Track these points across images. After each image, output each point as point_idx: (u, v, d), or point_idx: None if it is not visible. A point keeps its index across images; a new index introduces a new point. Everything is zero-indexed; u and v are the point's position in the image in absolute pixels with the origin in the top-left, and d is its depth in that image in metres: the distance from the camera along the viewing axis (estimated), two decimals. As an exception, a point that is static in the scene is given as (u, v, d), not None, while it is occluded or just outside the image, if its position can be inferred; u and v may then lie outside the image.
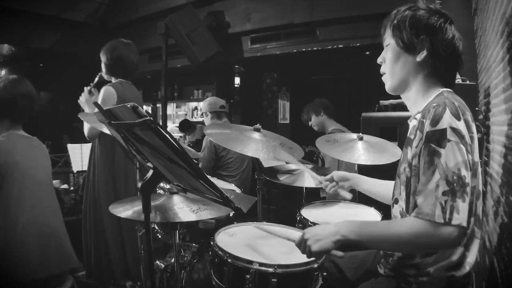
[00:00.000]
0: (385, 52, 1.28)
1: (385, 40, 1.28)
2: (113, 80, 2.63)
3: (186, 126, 5.86)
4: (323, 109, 3.46)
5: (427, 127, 1.07)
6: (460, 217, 0.99)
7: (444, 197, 1.00)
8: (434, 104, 1.09)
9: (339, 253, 1.13)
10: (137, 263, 2.48)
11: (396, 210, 1.28)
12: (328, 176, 1.66)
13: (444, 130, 1.03)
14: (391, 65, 1.26)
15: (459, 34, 1.22)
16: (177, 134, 7.63)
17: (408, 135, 1.26)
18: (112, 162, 2.56)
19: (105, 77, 2.65)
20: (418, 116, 1.19)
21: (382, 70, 1.30)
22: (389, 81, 1.28)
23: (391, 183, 1.38)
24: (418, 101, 1.24)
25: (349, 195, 1.61)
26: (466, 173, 1.01)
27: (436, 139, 1.04)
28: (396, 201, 1.28)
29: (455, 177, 1.00)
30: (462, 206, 0.99)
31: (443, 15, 1.21)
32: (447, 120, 1.03)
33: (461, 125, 1.04)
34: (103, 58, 2.61)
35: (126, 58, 2.60)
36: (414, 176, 1.14)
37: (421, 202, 1.04)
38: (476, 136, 1.11)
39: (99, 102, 2.47)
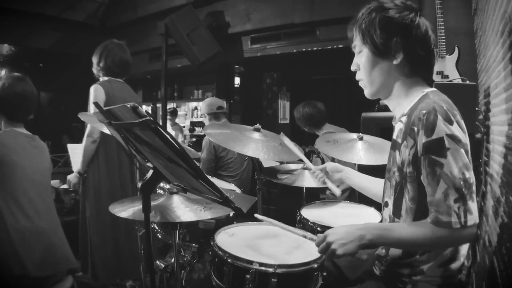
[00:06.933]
0: (358, 58, 1.23)
1: (356, 46, 1.22)
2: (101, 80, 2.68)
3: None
4: (307, 126, 3.36)
5: (422, 138, 1.05)
6: (474, 217, 1.02)
7: (456, 204, 1.01)
8: (424, 112, 1.05)
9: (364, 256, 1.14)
10: (125, 262, 2.57)
11: (386, 213, 1.28)
12: (321, 166, 1.68)
13: (441, 139, 1.02)
14: (368, 72, 1.20)
15: (428, 23, 1.16)
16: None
17: (394, 138, 1.24)
18: (104, 161, 2.59)
19: (100, 79, 2.69)
20: (404, 119, 1.17)
21: (358, 77, 1.25)
22: (368, 88, 1.23)
23: (381, 181, 1.36)
24: (401, 103, 1.20)
25: (337, 190, 1.59)
26: (469, 174, 1.02)
27: (434, 149, 1.03)
28: (386, 204, 1.28)
29: (461, 182, 1.01)
30: (473, 206, 1.02)
31: (411, 9, 1.15)
32: (441, 128, 1.02)
33: (455, 129, 1.03)
34: (93, 60, 2.67)
35: (113, 58, 2.63)
36: (410, 183, 1.13)
37: (435, 211, 1.05)
38: (466, 134, 1.08)
39: (91, 101, 2.53)
